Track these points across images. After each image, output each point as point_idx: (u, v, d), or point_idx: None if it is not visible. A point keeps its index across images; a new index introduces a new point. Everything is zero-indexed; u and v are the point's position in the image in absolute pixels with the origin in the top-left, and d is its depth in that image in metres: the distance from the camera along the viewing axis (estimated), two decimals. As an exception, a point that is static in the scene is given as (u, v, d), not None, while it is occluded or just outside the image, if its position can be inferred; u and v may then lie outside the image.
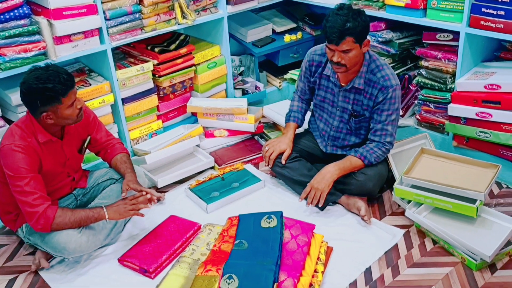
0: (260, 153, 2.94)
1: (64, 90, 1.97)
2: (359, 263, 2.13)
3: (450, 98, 2.64)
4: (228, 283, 1.90)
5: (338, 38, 2.15)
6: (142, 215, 2.18)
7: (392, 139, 2.38)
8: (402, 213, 2.40)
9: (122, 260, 2.21)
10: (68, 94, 1.99)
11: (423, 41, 2.77)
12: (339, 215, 2.45)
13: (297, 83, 2.67)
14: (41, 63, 2.18)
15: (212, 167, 2.89)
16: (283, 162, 2.50)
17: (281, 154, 2.53)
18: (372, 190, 2.40)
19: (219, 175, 2.75)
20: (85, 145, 2.32)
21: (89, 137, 2.32)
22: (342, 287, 2.02)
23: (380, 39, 2.89)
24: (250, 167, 2.84)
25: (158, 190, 2.68)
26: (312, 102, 2.63)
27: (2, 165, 2.03)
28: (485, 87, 2.45)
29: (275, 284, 1.88)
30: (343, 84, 2.39)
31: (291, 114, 2.66)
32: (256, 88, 3.42)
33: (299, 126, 2.66)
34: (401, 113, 2.98)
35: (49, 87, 1.94)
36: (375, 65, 2.34)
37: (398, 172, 2.48)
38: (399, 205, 2.47)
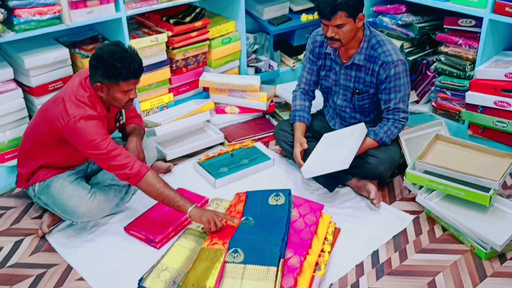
0: (270, 132, 2.91)
1: (127, 76, 1.98)
2: (366, 246, 2.11)
3: (468, 86, 2.59)
4: (234, 257, 1.88)
5: (330, 13, 2.12)
6: (215, 231, 2.05)
7: (406, 114, 2.34)
8: (412, 199, 2.37)
9: (128, 229, 2.20)
10: (128, 81, 2.00)
11: (444, 26, 2.71)
12: (348, 197, 2.42)
13: (300, 78, 2.57)
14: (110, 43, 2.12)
15: (222, 143, 2.87)
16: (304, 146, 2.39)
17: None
18: (383, 174, 2.37)
19: (228, 151, 2.72)
20: (119, 117, 2.31)
21: (123, 111, 2.31)
22: (348, 269, 2.00)
23: (399, 22, 2.82)
24: (260, 145, 2.81)
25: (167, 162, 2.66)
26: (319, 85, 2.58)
27: (74, 137, 2.00)
28: (505, 75, 2.40)
29: (281, 260, 1.86)
30: (344, 61, 2.36)
31: (296, 114, 2.50)
32: (269, 67, 3.37)
33: (306, 126, 2.50)
34: (416, 98, 2.94)
35: (116, 65, 1.94)
36: (375, 41, 2.29)
37: (411, 158, 2.45)
38: (409, 191, 2.44)
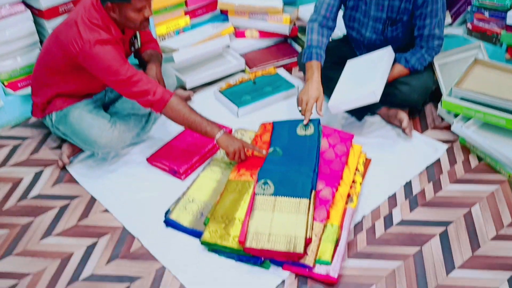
0: (294, 57, 2.76)
1: None
2: (398, 177, 2.03)
3: (509, 5, 2.38)
4: (263, 189, 1.81)
5: None
6: (240, 161, 1.96)
7: (441, 41, 2.18)
8: (446, 128, 2.26)
9: (151, 160, 2.13)
10: None
11: None
12: (378, 126, 2.31)
13: (319, 4, 2.22)
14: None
15: (243, 70, 2.73)
16: (320, 113, 2.05)
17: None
18: (416, 102, 2.25)
19: (250, 79, 2.59)
20: (134, 40, 2.16)
21: (137, 34, 2.15)
22: (380, 200, 1.93)
23: None
24: (282, 72, 2.67)
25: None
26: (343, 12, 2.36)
27: (91, 63, 1.87)
28: (554, -7, 2.20)
29: (313, 191, 1.79)
30: None
31: (312, 50, 2.14)
32: (291, -13, 3.14)
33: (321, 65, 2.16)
34: (450, 20, 2.74)
35: None
36: None
37: (445, 84, 2.30)
38: (442, 119, 2.32)
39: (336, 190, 1.85)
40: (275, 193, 1.78)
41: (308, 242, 1.66)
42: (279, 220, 1.70)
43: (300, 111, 2.07)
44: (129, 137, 2.11)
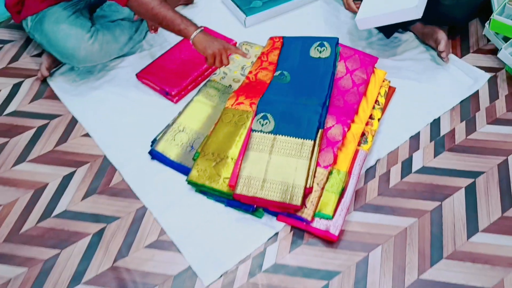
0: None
1: None
2: (425, 112, 1.72)
3: None
4: (262, 124, 1.54)
5: None
6: (219, 66, 1.63)
7: None
8: (491, 52, 1.89)
9: (140, 76, 1.85)
10: None
11: None
12: (409, 46, 1.95)
13: None
14: None
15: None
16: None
17: None
18: (459, 18, 1.86)
19: (264, -21, 2.19)
20: None
21: None
22: (400, 141, 1.64)
23: None
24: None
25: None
26: None
27: None
28: None
29: (320, 130, 1.52)
30: None
31: None
32: None
33: None
34: None
35: None
36: None
37: (498, 0, 1.89)
38: (488, 40, 1.94)
39: (348, 128, 1.57)
40: (275, 131, 1.52)
41: (308, 192, 1.43)
42: (277, 164, 1.46)
43: None
44: (115, 49, 1.83)
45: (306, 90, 1.62)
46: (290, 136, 1.49)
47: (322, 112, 1.55)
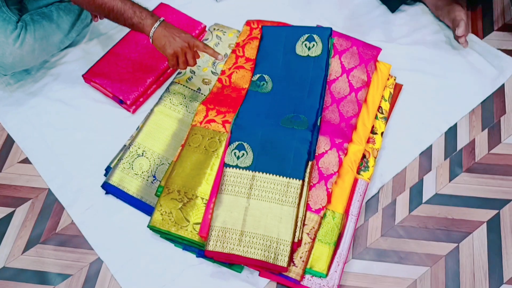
0: None
1: None
2: (439, 118, 1.40)
3: None
4: (237, 157, 1.23)
5: None
6: (184, 68, 1.30)
7: None
8: (519, 29, 1.54)
9: (88, 78, 1.49)
10: None
11: None
12: (419, 24, 1.58)
13: None
14: None
15: None
16: None
17: None
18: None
19: None
20: None
21: None
22: (408, 159, 1.34)
23: None
24: None
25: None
26: None
27: None
28: None
29: (310, 163, 1.21)
30: None
31: None
32: None
33: None
34: None
35: None
36: None
37: (533, -41, 1.49)
38: (516, 13, 1.58)
39: (345, 154, 1.26)
40: (254, 167, 1.21)
41: (296, 246, 1.16)
42: (257, 212, 1.17)
43: None
44: (53, 43, 1.46)
45: (292, 104, 1.29)
46: (273, 174, 1.19)
47: (313, 138, 1.23)
